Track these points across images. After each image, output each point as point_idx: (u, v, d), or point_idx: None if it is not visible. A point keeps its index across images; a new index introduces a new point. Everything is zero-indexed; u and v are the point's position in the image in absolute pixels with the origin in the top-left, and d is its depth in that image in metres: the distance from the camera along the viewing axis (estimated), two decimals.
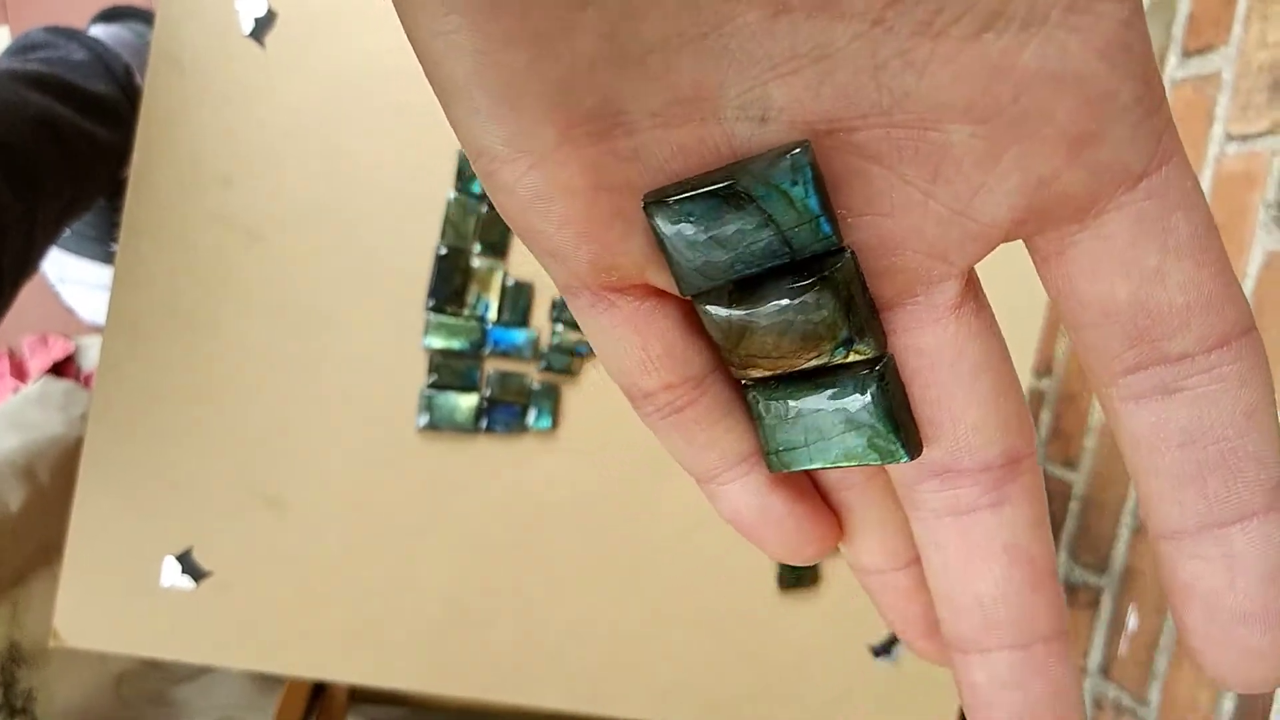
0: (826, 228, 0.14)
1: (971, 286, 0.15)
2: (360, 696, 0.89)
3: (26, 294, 1.06)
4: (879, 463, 0.16)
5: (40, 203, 0.62)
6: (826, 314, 0.14)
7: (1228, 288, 0.14)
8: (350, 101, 0.58)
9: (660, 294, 0.16)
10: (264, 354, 0.58)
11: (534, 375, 0.61)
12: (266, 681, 0.88)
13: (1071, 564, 0.86)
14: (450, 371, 0.60)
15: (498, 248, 0.60)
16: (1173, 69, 0.84)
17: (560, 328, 0.61)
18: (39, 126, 0.64)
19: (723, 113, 0.13)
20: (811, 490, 0.18)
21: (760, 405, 0.16)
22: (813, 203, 0.14)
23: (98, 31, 0.95)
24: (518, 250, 0.60)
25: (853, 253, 0.14)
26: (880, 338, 0.15)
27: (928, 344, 0.15)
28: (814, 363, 0.15)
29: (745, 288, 0.15)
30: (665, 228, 0.14)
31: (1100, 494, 0.84)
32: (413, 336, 0.59)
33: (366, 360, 0.59)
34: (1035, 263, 0.15)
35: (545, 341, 0.61)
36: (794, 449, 0.16)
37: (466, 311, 0.60)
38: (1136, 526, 0.79)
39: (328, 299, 0.58)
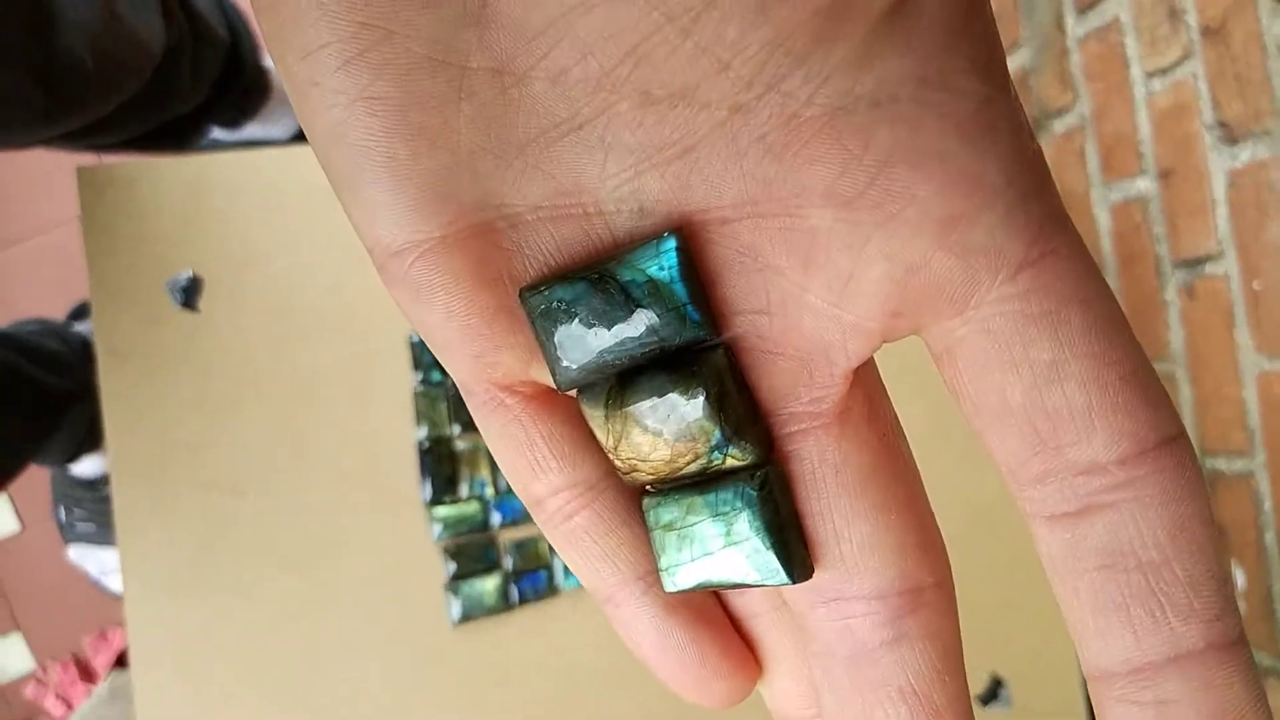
0: (695, 315, 0.14)
1: (862, 391, 0.14)
2: None
3: (74, 596, 1.08)
4: (761, 584, 0.14)
5: None
6: (698, 412, 0.14)
7: (1141, 389, 0.13)
8: (292, 331, 0.59)
9: (548, 393, 0.15)
10: (284, 598, 0.58)
11: None
12: None
13: None
14: (468, 557, 0.59)
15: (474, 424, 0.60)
16: (1073, 28, 0.84)
17: None
18: None
19: (603, 205, 0.13)
20: (722, 619, 0.16)
21: (651, 514, 0.15)
22: (679, 289, 0.13)
23: (77, 327, 0.98)
24: None
25: (727, 347, 0.14)
26: (762, 443, 0.14)
27: (810, 451, 0.14)
28: (693, 467, 0.14)
29: (624, 384, 0.14)
30: (538, 316, 0.14)
31: None
32: (420, 535, 0.59)
33: (384, 573, 0.59)
34: (934, 362, 0.14)
35: None
36: (682, 565, 0.15)
37: (465, 494, 0.60)
38: (1207, 481, 0.76)
39: (328, 527, 0.58)
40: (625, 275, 0.14)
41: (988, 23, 0.12)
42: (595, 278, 0.14)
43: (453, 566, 0.59)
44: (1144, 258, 0.79)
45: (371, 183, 0.13)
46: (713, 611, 0.16)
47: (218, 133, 0.88)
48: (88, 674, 1.09)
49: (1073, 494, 0.13)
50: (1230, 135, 0.68)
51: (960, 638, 0.15)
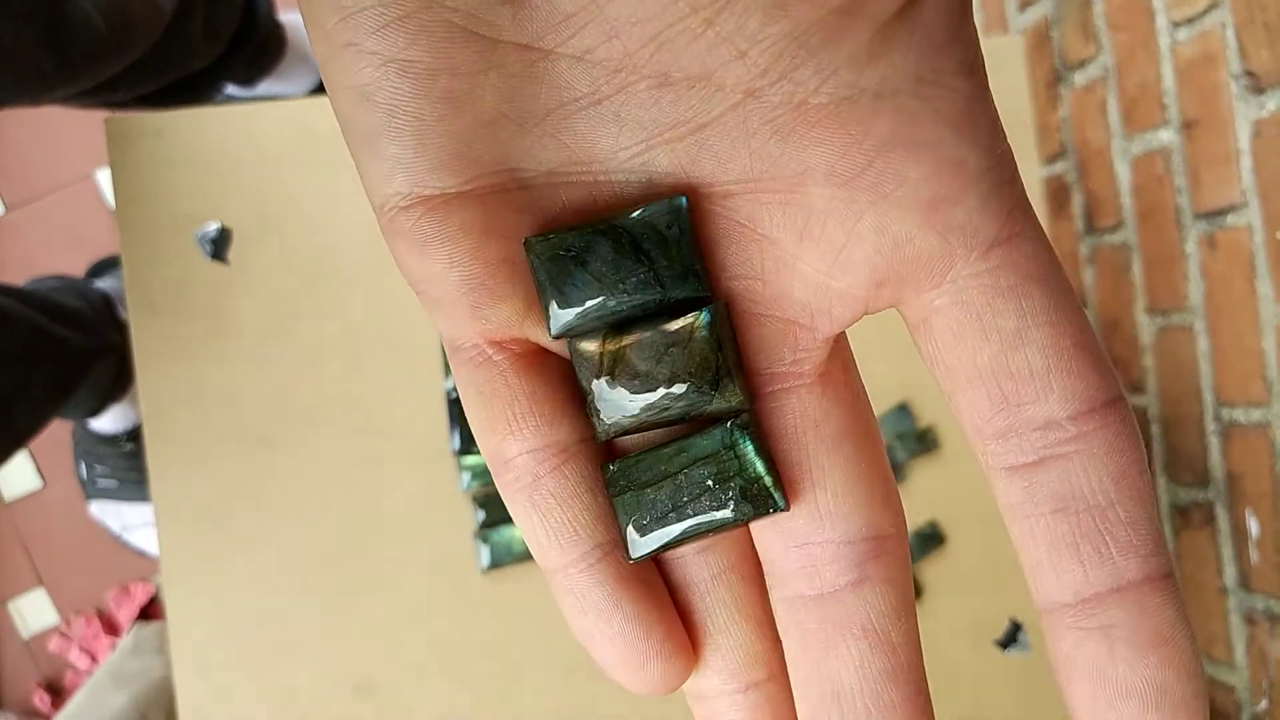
0: (697, 271, 0.15)
1: (840, 357, 0.16)
2: None
3: (97, 551, 1.09)
4: (752, 516, 0.15)
5: None
6: (699, 344, 0.15)
7: (1091, 357, 0.14)
8: (321, 282, 0.59)
9: (536, 353, 0.16)
10: (315, 550, 0.59)
11: None
12: None
13: (1175, 487, 0.83)
14: (496, 505, 0.60)
15: None
16: None
17: None
18: None
19: (613, 174, 0.15)
20: (666, 600, 0.17)
21: (620, 480, 0.16)
22: (686, 246, 0.15)
23: (97, 284, 0.99)
24: None
25: (725, 302, 0.15)
26: (746, 392, 0.15)
27: (793, 406, 0.16)
28: (677, 410, 0.15)
29: (620, 330, 0.15)
30: (541, 262, 0.15)
31: (1175, 410, 0.81)
32: (449, 484, 0.60)
33: (414, 523, 0.60)
34: (910, 333, 0.16)
35: None
36: (656, 520, 0.16)
37: None
38: (1223, 431, 0.76)
39: (357, 478, 0.59)
40: (636, 228, 0.14)
41: (973, 29, 0.14)
42: (605, 228, 0.15)
43: (482, 515, 0.60)
44: (1164, 209, 0.79)
45: (394, 140, 0.14)
46: (660, 591, 0.17)
47: (232, 89, 0.88)
48: (111, 627, 1.11)
49: (1030, 447, 0.15)
50: (1257, 85, 0.68)
51: (912, 586, 0.16)
